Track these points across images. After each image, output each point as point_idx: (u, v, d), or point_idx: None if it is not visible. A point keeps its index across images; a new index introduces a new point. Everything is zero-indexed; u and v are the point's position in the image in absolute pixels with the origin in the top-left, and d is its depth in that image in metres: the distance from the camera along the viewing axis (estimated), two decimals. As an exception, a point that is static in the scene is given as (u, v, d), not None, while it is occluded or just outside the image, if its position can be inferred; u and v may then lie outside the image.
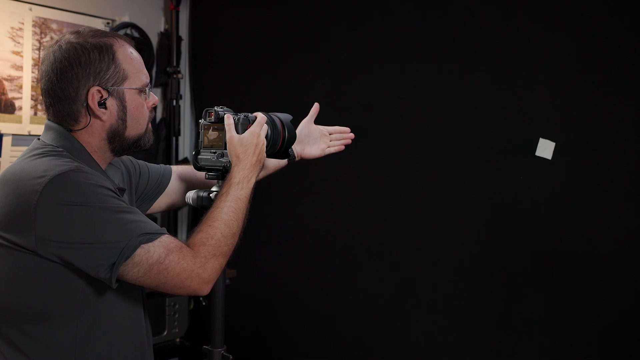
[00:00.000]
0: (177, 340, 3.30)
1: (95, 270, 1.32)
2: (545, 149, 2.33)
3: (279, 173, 3.25)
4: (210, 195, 1.69)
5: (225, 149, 1.64)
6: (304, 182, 3.16)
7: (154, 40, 3.70)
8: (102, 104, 1.46)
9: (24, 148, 3.12)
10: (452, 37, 2.60)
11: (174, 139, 3.70)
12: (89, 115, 1.47)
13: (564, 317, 2.31)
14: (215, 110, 1.67)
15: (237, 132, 1.63)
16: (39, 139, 1.51)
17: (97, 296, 1.41)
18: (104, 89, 1.45)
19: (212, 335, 1.84)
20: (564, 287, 2.31)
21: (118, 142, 1.52)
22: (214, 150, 1.68)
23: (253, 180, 1.63)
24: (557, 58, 2.33)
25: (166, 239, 1.38)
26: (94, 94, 1.45)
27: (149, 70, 3.65)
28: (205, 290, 1.43)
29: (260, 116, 1.69)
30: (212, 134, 1.69)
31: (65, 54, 1.44)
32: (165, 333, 3.13)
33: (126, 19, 3.53)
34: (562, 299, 2.31)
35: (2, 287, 1.38)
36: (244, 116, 1.66)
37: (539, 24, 2.37)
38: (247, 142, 1.61)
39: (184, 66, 3.82)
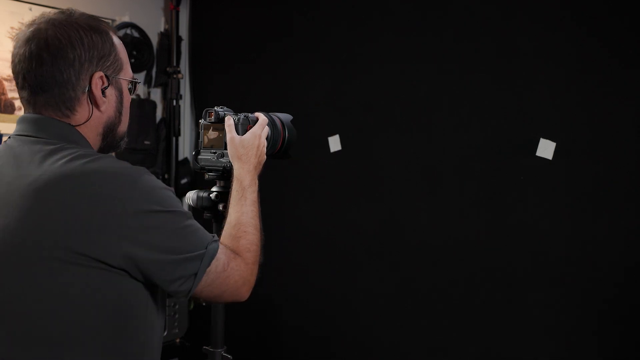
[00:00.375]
0: (177, 340, 3.31)
1: (175, 284, 1.24)
2: (545, 149, 2.33)
3: (279, 173, 3.27)
4: (210, 195, 1.69)
5: (226, 149, 1.63)
6: (304, 183, 3.16)
7: (154, 40, 3.70)
8: (103, 93, 1.31)
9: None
10: (452, 37, 2.60)
11: (174, 139, 3.70)
12: (90, 104, 1.30)
13: (565, 318, 2.31)
14: (215, 111, 1.67)
15: (238, 133, 1.61)
16: (32, 136, 1.26)
17: (151, 307, 1.31)
18: (106, 76, 1.31)
19: (212, 336, 1.84)
20: (565, 287, 2.31)
21: (111, 138, 1.39)
22: (214, 151, 1.67)
23: (256, 183, 1.58)
24: (557, 58, 2.33)
25: (223, 246, 1.34)
26: (98, 80, 1.29)
27: (149, 70, 3.66)
28: (248, 295, 1.41)
29: (261, 117, 1.68)
30: (212, 134, 1.69)
31: (64, 32, 1.25)
32: (165, 333, 3.13)
33: (126, 19, 3.53)
34: (563, 299, 2.32)
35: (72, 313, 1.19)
36: (244, 116, 1.66)
37: (539, 24, 2.37)
38: (248, 144, 1.59)
39: (184, 66, 3.83)
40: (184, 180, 3.73)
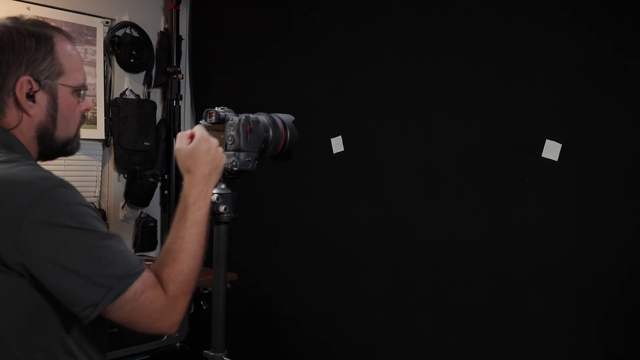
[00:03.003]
0: (177, 344, 3.30)
1: (75, 308, 1.20)
2: (551, 150, 2.33)
3: (281, 174, 3.27)
4: (211, 197, 1.68)
5: (226, 150, 1.63)
6: (304, 183, 3.17)
7: (154, 39, 3.71)
8: (30, 97, 1.32)
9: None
10: (454, 37, 2.61)
11: (174, 140, 3.70)
12: (17, 108, 1.32)
13: (568, 319, 2.31)
14: (216, 111, 1.66)
15: (238, 135, 1.61)
16: None
17: (65, 320, 1.28)
18: (35, 80, 1.32)
19: (212, 340, 1.84)
20: (568, 288, 2.31)
21: (48, 143, 1.39)
22: None
23: (210, 194, 1.47)
24: (559, 58, 2.33)
25: (146, 274, 1.26)
26: (24, 83, 1.31)
27: (149, 70, 3.66)
28: (174, 329, 1.32)
29: (196, 127, 1.57)
30: (213, 135, 1.67)
31: (0, 36, 1.30)
32: (165, 337, 3.13)
33: (125, 18, 3.54)
34: (566, 300, 2.32)
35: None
36: (245, 117, 1.65)
37: (541, 24, 2.38)
38: (196, 151, 1.48)
39: (184, 66, 3.83)
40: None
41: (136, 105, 3.55)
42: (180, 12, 3.75)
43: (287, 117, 1.83)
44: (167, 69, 3.69)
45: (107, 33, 3.48)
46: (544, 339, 2.37)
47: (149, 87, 3.71)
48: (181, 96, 3.75)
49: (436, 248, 2.66)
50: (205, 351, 1.86)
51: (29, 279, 1.19)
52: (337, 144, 3.00)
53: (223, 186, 1.69)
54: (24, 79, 1.31)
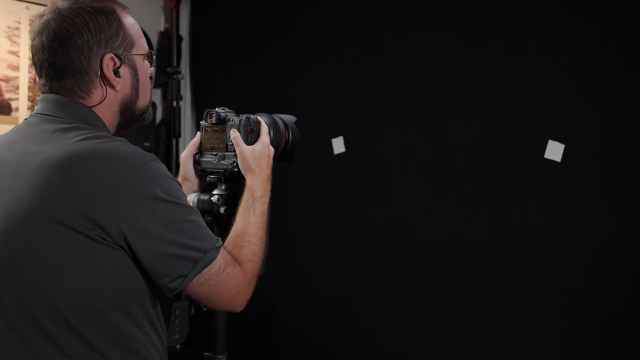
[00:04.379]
0: (178, 346, 3.31)
1: (164, 279, 1.27)
2: (554, 151, 2.33)
3: (281, 175, 3.27)
4: (212, 198, 1.69)
5: (227, 150, 1.65)
6: (305, 184, 3.16)
7: (154, 39, 3.71)
8: (116, 73, 1.37)
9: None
10: (457, 37, 2.61)
11: (174, 140, 3.71)
12: (104, 86, 1.37)
13: (573, 323, 2.31)
14: (216, 112, 1.67)
15: (242, 137, 1.62)
16: (51, 115, 1.34)
17: (153, 294, 1.34)
18: (116, 56, 1.37)
19: (213, 342, 1.84)
20: (573, 292, 2.31)
21: (129, 114, 1.45)
22: (215, 153, 1.68)
23: (269, 194, 1.61)
24: (563, 59, 2.34)
25: (224, 251, 1.35)
26: (108, 61, 1.36)
27: (149, 70, 3.67)
28: (243, 307, 1.43)
29: (263, 124, 1.68)
30: (213, 136, 1.69)
31: (70, 20, 1.32)
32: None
33: (125, 18, 3.53)
34: (571, 304, 2.31)
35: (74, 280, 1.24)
36: (246, 118, 1.66)
37: (547, 24, 2.37)
38: (260, 155, 1.61)
39: (185, 66, 3.83)
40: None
41: (136, 106, 3.56)
42: (180, 11, 3.75)
43: (289, 118, 1.84)
44: (167, 69, 3.69)
45: (107, 33, 3.48)
46: (548, 342, 2.36)
47: (149, 87, 3.71)
48: (181, 96, 3.74)
49: (438, 250, 2.66)
50: (205, 353, 1.86)
51: (128, 251, 1.24)
52: (339, 145, 3.00)
53: (224, 187, 1.71)
54: (108, 56, 1.35)
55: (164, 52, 3.71)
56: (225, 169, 1.65)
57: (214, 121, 1.67)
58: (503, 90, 2.48)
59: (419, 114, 2.73)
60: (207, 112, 1.69)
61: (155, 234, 1.23)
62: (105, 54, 1.35)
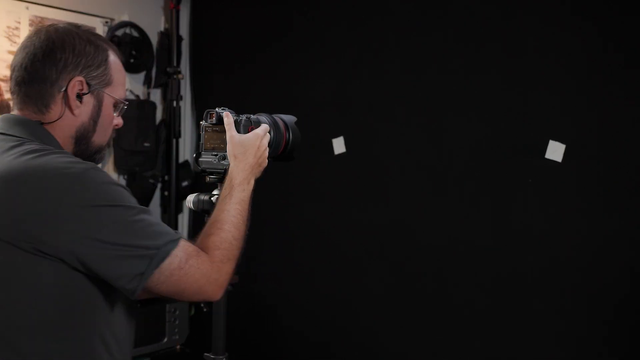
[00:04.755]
0: (178, 347, 3.30)
1: (122, 281, 1.26)
2: (555, 151, 2.33)
3: (282, 176, 3.27)
4: (212, 198, 1.69)
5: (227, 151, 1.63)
6: (305, 185, 3.17)
7: (154, 39, 3.71)
8: (79, 97, 1.40)
9: (21, 150, 3.13)
10: (458, 37, 2.61)
11: (174, 141, 3.71)
12: (64, 105, 1.40)
13: (574, 324, 2.31)
14: (216, 112, 1.66)
15: (239, 132, 1.62)
16: (3, 133, 1.38)
17: (104, 306, 1.34)
18: (87, 83, 1.40)
19: (213, 343, 1.84)
20: (574, 292, 2.31)
21: (84, 146, 1.45)
22: (215, 153, 1.67)
23: (252, 183, 1.62)
24: (564, 59, 2.34)
25: (184, 243, 1.35)
26: (76, 83, 1.39)
27: (149, 70, 3.67)
28: (219, 295, 1.41)
29: (264, 125, 1.69)
30: (214, 136, 1.68)
31: (61, 37, 1.39)
32: (165, 340, 3.14)
33: (125, 18, 3.54)
34: (572, 304, 2.32)
35: (16, 296, 1.26)
36: (246, 117, 1.66)
37: (547, 24, 2.38)
38: (248, 143, 1.60)
39: (185, 66, 3.84)
40: (184, 183, 3.74)
41: (136, 106, 3.56)
42: (180, 11, 3.75)
43: (289, 118, 1.84)
44: (167, 69, 3.69)
45: (107, 33, 3.48)
46: (549, 343, 2.37)
47: (149, 87, 3.71)
48: (181, 97, 3.74)
49: (438, 250, 2.66)
50: (205, 354, 1.86)
51: (71, 263, 1.24)
52: (339, 145, 3.00)
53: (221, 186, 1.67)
54: (78, 79, 1.39)
55: (164, 52, 3.72)
56: (225, 169, 1.64)
57: (214, 121, 1.66)
58: (503, 90, 2.49)
59: (419, 114, 2.74)
60: (207, 112, 1.68)
61: (103, 240, 1.24)
62: (76, 75, 1.39)
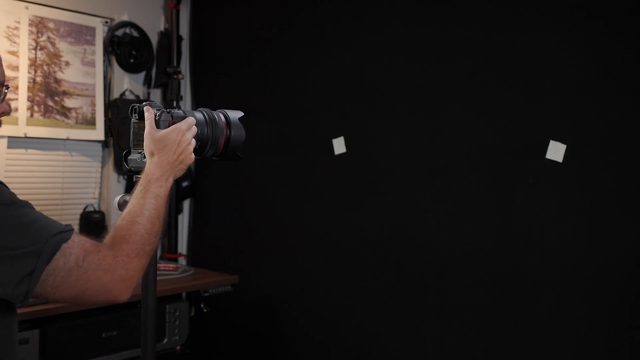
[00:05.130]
0: (178, 348, 3.30)
1: (8, 287, 1.13)
2: (556, 151, 2.33)
3: (281, 176, 3.27)
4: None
5: None
6: (305, 185, 3.17)
7: (154, 39, 3.71)
8: None
9: (21, 150, 3.14)
10: (459, 36, 2.61)
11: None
12: None
13: (578, 325, 2.31)
14: (138, 107, 1.57)
15: (158, 127, 1.51)
16: None
17: None
18: None
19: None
20: (577, 293, 2.31)
21: None
22: (140, 150, 1.56)
23: (171, 180, 1.47)
24: (567, 58, 2.33)
25: (78, 238, 1.22)
26: None
27: (149, 70, 3.67)
28: (127, 295, 1.25)
29: (189, 119, 1.57)
30: (140, 133, 1.57)
31: None
32: (166, 341, 3.13)
33: (125, 17, 3.54)
34: (575, 305, 2.31)
35: None
36: (167, 111, 1.55)
37: (549, 23, 2.37)
38: (166, 138, 1.48)
39: (185, 66, 3.84)
40: (184, 184, 3.74)
41: (136, 106, 3.56)
42: (180, 11, 3.76)
43: (234, 114, 1.70)
44: (167, 69, 3.69)
45: (107, 33, 3.49)
46: (552, 345, 2.36)
47: (148, 87, 3.71)
48: (181, 97, 3.75)
49: (443, 252, 2.65)
50: None
51: None
52: (339, 145, 3.00)
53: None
54: None
55: (163, 51, 3.72)
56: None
57: (137, 117, 1.57)
58: (504, 90, 2.48)
59: (420, 114, 2.73)
60: (132, 107, 1.58)
61: None
62: None
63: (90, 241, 1.24)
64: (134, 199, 1.40)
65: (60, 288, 1.18)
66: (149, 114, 1.52)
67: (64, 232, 1.20)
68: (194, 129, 1.56)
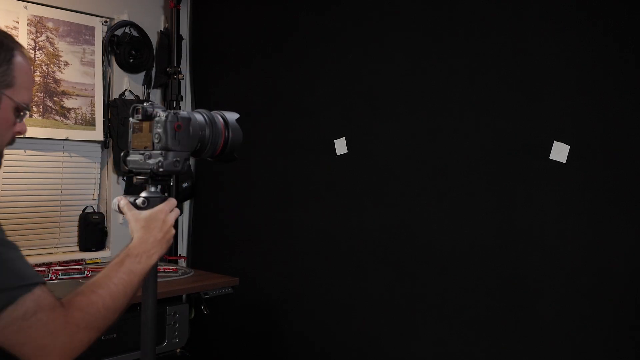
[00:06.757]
0: (178, 350, 3.31)
1: None
2: (559, 152, 2.34)
3: (283, 177, 3.28)
4: (137, 201, 1.57)
5: (154, 149, 1.55)
6: (306, 186, 3.18)
7: (154, 39, 3.73)
8: None
9: (20, 151, 3.15)
10: (461, 37, 2.62)
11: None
12: None
13: (580, 326, 2.32)
14: (143, 107, 1.56)
15: (166, 132, 1.52)
16: None
17: None
18: None
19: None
20: (579, 294, 2.32)
21: None
22: (142, 152, 1.57)
23: (155, 258, 1.46)
24: (569, 58, 2.35)
25: (40, 293, 1.19)
26: None
27: (148, 70, 3.68)
28: None
29: (171, 200, 1.59)
30: (141, 134, 1.59)
31: None
32: (165, 343, 3.14)
33: (125, 17, 3.56)
34: (577, 306, 2.32)
35: None
36: (173, 113, 1.55)
37: (551, 23, 2.39)
38: (152, 218, 1.49)
39: (185, 66, 3.85)
40: (185, 185, 3.75)
41: (135, 107, 3.56)
42: (180, 11, 3.77)
43: (231, 115, 1.72)
44: (167, 69, 3.71)
45: (106, 32, 3.50)
46: (553, 346, 2.37)
47: (148, 87, 3.73)
48: (181, 97, 3.76)
49: (445, 253, 2.66)
50: None
51: None
52: (341, 146, 3.01)
53: (153, 189, 1.61)
54: None
55: (163, 51, 3.73)
56: (151, 169, 1.54)
57: (140, 117, 1.57)
58: (507, 90, 2.49)
59: (422, 114, 2.75)
60: (134, 107, 1.58)
61: None
62: None
63: (51, 299, 1.21)
64: (106, 268, 1.38)
65: (2, 332, 1.16)
66: (124, 201, 1.53)
67: (28, 286, 1.18)
68: (177, 211, 1.58)
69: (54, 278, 2.92)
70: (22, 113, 1.39)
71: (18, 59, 1.35)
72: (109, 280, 1.33)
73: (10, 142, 1.42)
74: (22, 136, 1.45)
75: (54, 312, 1.20)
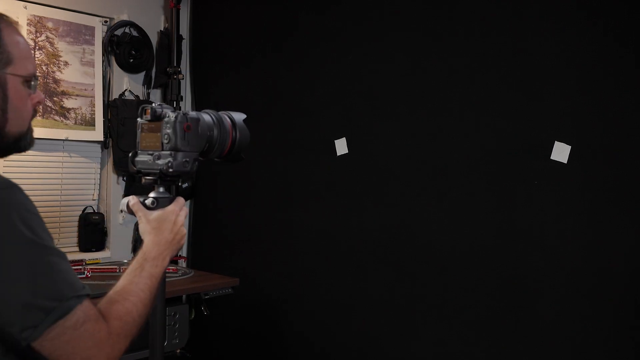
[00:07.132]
0: (178, 351, 3.32)
1: (14, 327, 1.12)
2: (560, 152, 2.34)
3: (283, 177, 3.28)
4: (146, 201, 1.57)
5: (163, 149, 1.54)
6: (307, 186, 3.18)
7: (154, 39, 3.73)
8: None
9: (19, 151, 3.14)
10: (462, 37, 2.63)
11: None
12: None
13: (580, 326, 2.32)
14: (152, 107, 1.56)
15: (175, 133, 1.52)
16: None
17: None
18: None
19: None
20: (579, 294, 2.32)
21: None
22: (151, 152, 1.57)
23: (167, 260, 1.47)
24: (570, 59, 2.35)
25: (87, 304, 1.20)
26: None
27: (148, 70, 3.68)
28: None
29: (179, 199, 1.59)
30: (150, 134, 1.59)
31: None
32: (165, 344, 3.14)
33: (125, 17, 3.56)
34: (578, 306, 2.32)
35: None
36: (183, 114, 1.55)
37: (552, 23, 2.39)
38: (162, 219, 1.50)
39: (185, 66, 3.86)
40: (185, 185, 3.74)
41: (135, 107, 3.56)
42: (180, 10, 3.77)
43: (238, 116, 1.71)
44: (167, 69, 3.71)
45: (106, 32, 3.51)
46: (553, 346, 2.37)
47: (148, 87, 3.73)
48: (182, 97, 3.76)
49: (445, 253, 2.67)
50: None
51: None
52: (341, 146, 3.01)
53: (162, 189, 1.60)
54: None
55: (163, 51, 3.74)
56: (160, 170, 1.54)
57: (149, 118, 1.57)
58: (508, 90, 2.50)
59: (422, 115, 2.75)
60: (142, 107, 1.58)
61: (6, 275, 1.11)
62: None
63: (95, 310, 1.22)
64: (128, 274, 1.37)
65: (50, 342, 1.15)
66: (134, 201, 1.53)
67: (80, 297, 1.19)
68: (186, 210, 1.58)
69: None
70: (32, 83, 1.35)
71: (6, 32, 1.31)
72: (136, 287, 1.34)
73: (34, 114, 1.39)
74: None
75: (98, 322, 1.21)
